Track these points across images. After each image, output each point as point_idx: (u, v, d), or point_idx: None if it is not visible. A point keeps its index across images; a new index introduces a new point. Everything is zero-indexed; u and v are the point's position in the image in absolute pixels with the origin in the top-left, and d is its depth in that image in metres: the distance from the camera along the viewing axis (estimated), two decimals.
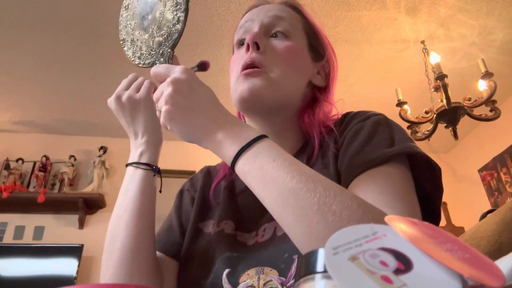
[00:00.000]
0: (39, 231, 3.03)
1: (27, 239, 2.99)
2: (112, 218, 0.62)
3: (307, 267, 0.23)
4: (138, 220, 0.60)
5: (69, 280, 2.74)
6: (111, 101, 0.66)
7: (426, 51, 2.65)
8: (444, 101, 2.28)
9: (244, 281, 0.56)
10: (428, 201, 0.56)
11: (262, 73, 0.64)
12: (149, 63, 0.60)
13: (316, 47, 0.73)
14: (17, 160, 3.22)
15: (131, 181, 0.63)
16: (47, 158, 3.26)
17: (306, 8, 0.76)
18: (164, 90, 0.51)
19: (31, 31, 2.45)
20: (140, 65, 0.61)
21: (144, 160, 0.64)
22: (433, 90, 2.45)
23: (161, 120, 0.52)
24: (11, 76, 2.82)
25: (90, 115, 3.26)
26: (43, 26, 2.43)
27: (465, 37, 2.64)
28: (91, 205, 3.11)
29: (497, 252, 0.68)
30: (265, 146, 0.48)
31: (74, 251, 2.87)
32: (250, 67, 0.64)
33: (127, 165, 0.65)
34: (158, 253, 0.66)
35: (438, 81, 2.28)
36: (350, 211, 0.42)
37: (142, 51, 0.61)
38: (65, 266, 2.83)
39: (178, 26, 0.57)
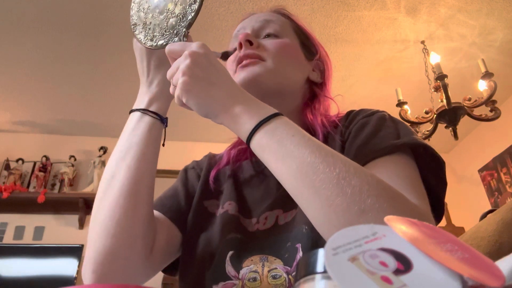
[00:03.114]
0: (39, 231, 3.03)
1: (27, 239, 2.99)
2: (111, 161, 0.59)
3: (307, 267, 0.23)
4: (141, 163, 0.57)
5: (69, 280, 2.74)
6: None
7: (426, 51, 2.65)
8: (444, 101, 2.28)
9: (248, 266, 0.56)
10: (432, 194, 0.56)
11: (259, 62, 0.65)
12: (162, 43, 0.59)
13: (308, 46, 0.76)
14: (17, 160, 3.22)
15: (136, 126, 0.60)
16: (47, 158, 3.26)
17: (297, 16, 0.79)
18: (180, 64, 0.51)
19: (31, 31, 2.45)
20: (152, 47, 0.60)
21: (153, 108, 0.61)
22: (433, 90, 2.45)
23: (177, 92, 0.51)
24: (11, 76, 2.82)
25: (90, 115, 3.26)
26: (44, 26, 2.43)
27: (465, 37, 2.64)
28: (91, 205, 3.07)
29: (497, 252, 0.68)
30: (282, 122, 0.49)
31: (74, 251, 2.87)
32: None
33: (131, 111, 0.62)
34: (160, 214, 0.66)
35: (438, 81, 2.28)
36: (370, 186, 0.42)
37: (155, 33, 0.60)
38: (65, 266, 2.83)
39: (195, 6, 0.57)
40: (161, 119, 0.61)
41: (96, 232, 0.55)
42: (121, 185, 0.56)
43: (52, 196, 3.04)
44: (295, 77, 0.71)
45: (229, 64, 0.70)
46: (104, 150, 3.32)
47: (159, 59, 0.62)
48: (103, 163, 3.24)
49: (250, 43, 0.67)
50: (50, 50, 2.61)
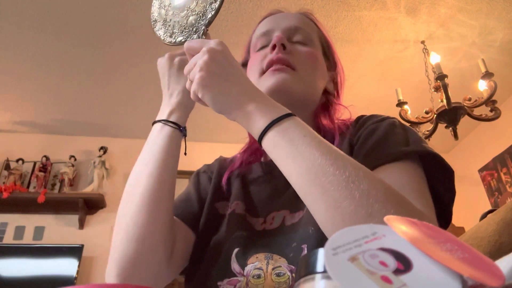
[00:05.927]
0: (39, 231, 3.03)
1: (27, 239, 2.99)
2: (134, 169, 0.61)
3: (307, 267, 0.23)
4: (162, 170, 0.59)
5: (69, 280, 2.73)
6: (162, 59, 0.67)
7: (426, 51, 2.65)
8: (444, 101, 2.28)
9: (253, 263, 0.57)
10: (439, 202, 0.56)
11: (290, 70, 0.68)
12: (180, 40, 0.61)
13: (328, 56, 0.79)
14: (17, 160, 3.22)
15: (157, 136, 0.62)
16: (47, 158, 3.26)
17: (316, 19, 0.82)
18: (198, 59, 0.52)
19: (31, 31, 2.45)
20: (171, 43, 0.62)
21: (173, 119, 0.63)
22: (433, 90, 2.45)
23: (193, 87, 0.52)
24: (11, 76, 2.82)
25: (90, 115, 3.26)
26: (43, 26, 2.43)
27: (465, 37, 2.64)
28: (91, 205, 3.11)
29: (497, 252, 0.68)
30: (295, 123, 0.49)
31: (74, 251, 2.87)
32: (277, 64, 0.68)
33: (154, 123, 0.65)
34: (176, 218, 0.67)
35: (438, 81, 2.28)
36: (378, 191, 0.42)
37: (175, 30, 0.62)
38: (65, 266, 2.83)
39: (215, 5, 0.59)
40: (180, 129, 0.63)
41: (120, 237, 0.57)
42: (144, 192, 0.57)
43: (52, 196, 3.04)
44: (318, 87, 0.74)
45: (257, 61, 0.72)
46: (104, 150, 3.31)
47: (178, 73, 0.65)
48: (103, 163, 3.24)
49: (284, 47, 0.69)
50: (51, 50, 2.61)
